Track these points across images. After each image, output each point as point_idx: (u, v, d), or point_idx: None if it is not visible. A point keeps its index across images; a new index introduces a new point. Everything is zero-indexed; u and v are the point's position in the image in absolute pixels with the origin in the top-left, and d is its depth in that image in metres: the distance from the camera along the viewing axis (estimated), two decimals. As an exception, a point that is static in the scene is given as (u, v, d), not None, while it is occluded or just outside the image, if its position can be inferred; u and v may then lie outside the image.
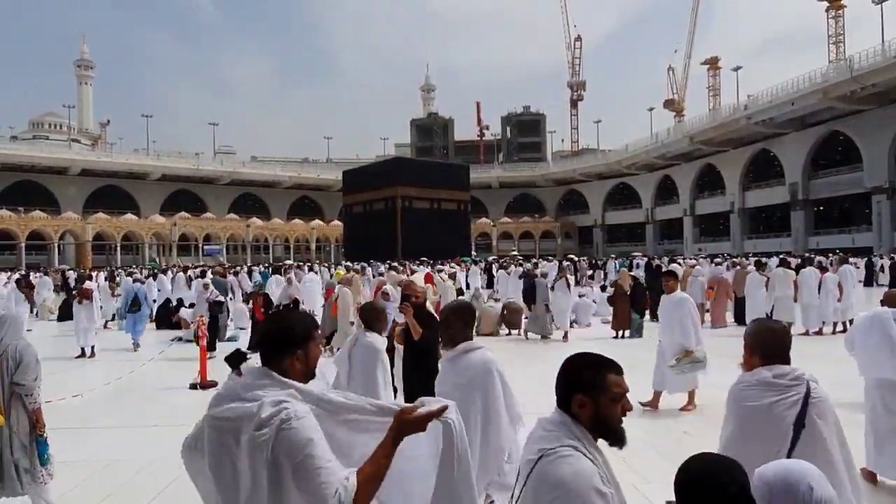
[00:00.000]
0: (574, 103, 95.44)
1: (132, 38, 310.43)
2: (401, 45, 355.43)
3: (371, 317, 4.44)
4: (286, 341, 1.90)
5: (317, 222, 72.35)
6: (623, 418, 1.80)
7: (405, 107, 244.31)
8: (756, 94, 52.14)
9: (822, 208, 53.29)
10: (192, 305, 15.95)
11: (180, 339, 13.30)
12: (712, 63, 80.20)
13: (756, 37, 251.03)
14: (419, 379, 4.87)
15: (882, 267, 27.33)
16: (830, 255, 29.17)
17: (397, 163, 52.13)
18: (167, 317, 15.57)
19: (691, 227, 64.81)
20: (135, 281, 16.11)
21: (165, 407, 7.71)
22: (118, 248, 58.59)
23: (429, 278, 15.92)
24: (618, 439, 1.79)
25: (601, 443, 1.82)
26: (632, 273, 15.64)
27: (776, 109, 48.25)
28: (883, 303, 5.15)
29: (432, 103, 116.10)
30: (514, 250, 64.78)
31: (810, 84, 44.98)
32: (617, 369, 1.83)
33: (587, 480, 1.63)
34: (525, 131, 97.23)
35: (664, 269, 14.13)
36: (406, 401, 4.60)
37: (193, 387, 8.66)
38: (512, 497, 1.88)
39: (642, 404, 7.16)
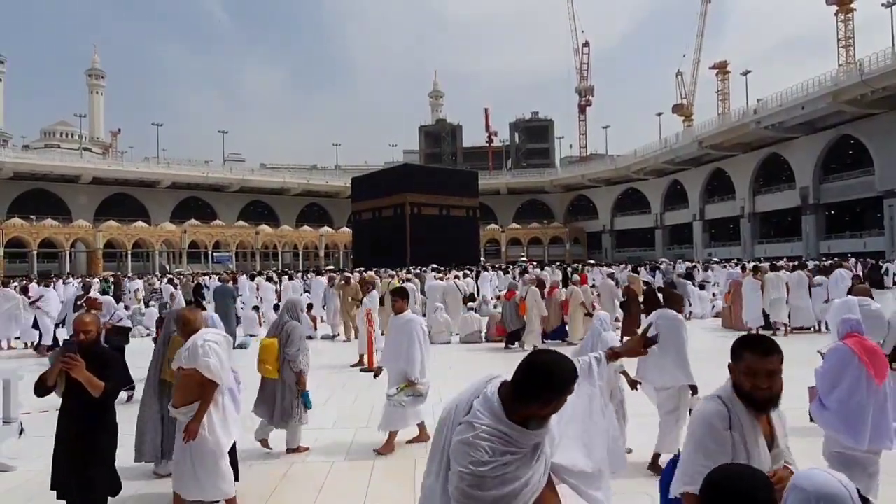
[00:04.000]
0: (582, 109, 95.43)
1: (143, 48, 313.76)
2: (409, 51, 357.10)
3: (671, 300, 5.84)
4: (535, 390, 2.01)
5: (326, 229, 72.58)
6: (757, 390, 2.19)
7: (414, 113, 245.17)
8: (766, 98, 51.87)
9: (833, 212, 52.90)
10: (276, 308, 16.77)
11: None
12: (721, 67, 79.86)
13: (765, 41, 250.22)
14: (92, 443, 3.79)
15: (887, 270, 28.28)
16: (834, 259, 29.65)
17: (406, 170, 52.16)
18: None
19: (701, 232, 64.46)
20: (221, 280, 17.62)
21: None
22: (129, 256, 58.96)
23: (584, 279, 16.10)
24: (752, 404, 2.20)
25: None
26: (642, 278, 15.62)
27: (786, 113, 47.98)
28: (854, 293, 6.68)
29: (441, 110, 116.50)
30: (522, 256, 64.72)
31: (820, 88, 44.71)
32: (755, 350, 2.21)
33: (707, 416, 2.20)
34: (533, 137, 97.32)
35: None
36: (61, 469, 3.75)
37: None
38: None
39: (376, 451, 5.94)
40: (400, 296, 6.36)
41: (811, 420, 4.31)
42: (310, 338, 14.88)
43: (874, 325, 5.85)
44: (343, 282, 15.33)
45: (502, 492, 1.93)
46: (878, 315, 6.03)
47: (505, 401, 2.01)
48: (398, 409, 5.82)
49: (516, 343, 12.83)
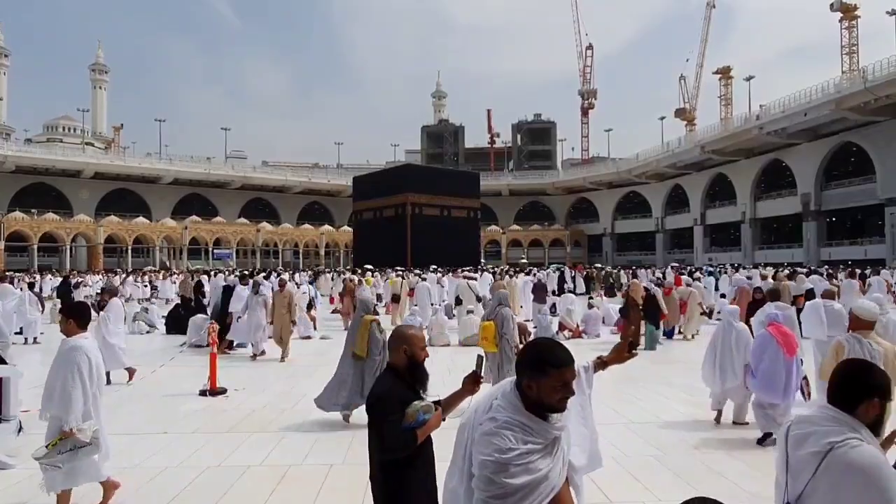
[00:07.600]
0: (585, 112, 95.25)
1: (147, 44, 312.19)
2: (413, 52, 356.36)
3: (775, 295, 7.73)
4: None
5: (326, 228, 72.63)
6: None
7: (416, 113, 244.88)
8: (768, 104, 51.84)
9: (834, 219, 52.90)
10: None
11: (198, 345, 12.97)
12: (724, 72, 79.70)
13: (769, 47, 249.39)
14: None
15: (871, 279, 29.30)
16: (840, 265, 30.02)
17: (407, 170, 52.21)
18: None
19: (702, 237, 64.50)
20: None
21: (175, 414, 7.70)
22: (129, 251, 59.01)
23: (678, 281, 16.61)
24: (879, 432, 2.14)
25: None
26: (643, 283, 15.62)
27: (788, 120, 47.96)
28: (822, 296, 8.62)
29: (443, 110, 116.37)
30: (523, 258, 64.75)
31: (823, 95, 44.69)
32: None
33: (884, 462, 1.94)
34: (535, 139, 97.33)
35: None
36: None
37: (203, 393, 8.62)
38: (785, 488, 2.12)
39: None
40: (71, 314, 4.54)
41: (745, 387, 6.46)
42: (308, 337, 14.91)
43: (836, 321, 7.71)
44: (278, 287, 12.76)
45: (525, 479, 1.97)
46: (839, 314, 7.76)
47: (522, 394, 2.10)
48: (54, 473, 4.22)
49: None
